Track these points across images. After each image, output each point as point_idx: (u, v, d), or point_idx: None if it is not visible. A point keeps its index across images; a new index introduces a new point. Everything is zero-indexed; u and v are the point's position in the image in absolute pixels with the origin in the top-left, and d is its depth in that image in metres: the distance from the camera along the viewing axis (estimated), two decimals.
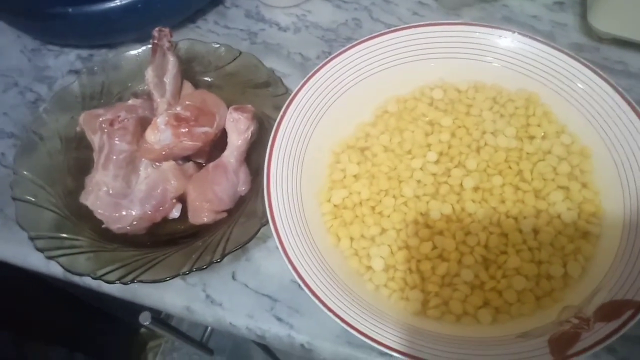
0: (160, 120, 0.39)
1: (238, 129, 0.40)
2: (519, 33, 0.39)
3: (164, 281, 0.35)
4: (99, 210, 0.38)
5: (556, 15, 0.50)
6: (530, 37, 0.38)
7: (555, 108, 0.38)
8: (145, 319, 0.51)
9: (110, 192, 0.38)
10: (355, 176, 0.37)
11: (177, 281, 0.38)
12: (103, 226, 0.38)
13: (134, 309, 0.47)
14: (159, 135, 0.38)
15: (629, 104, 0.35)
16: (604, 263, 0.31)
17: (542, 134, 0.37)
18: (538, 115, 0.37)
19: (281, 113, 0.38)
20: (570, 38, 0.48)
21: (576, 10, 0.50)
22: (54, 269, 0.39)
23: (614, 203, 0.33)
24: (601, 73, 0.36)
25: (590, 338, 0.27)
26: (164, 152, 0.39)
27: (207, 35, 0.52)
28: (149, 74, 0.42)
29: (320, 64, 0.40)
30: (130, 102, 0.43)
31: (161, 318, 0.54)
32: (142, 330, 1.00)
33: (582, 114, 0.36)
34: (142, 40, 0.49)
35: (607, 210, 0.34)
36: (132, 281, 0.35)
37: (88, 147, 0.41)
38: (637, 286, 0.29)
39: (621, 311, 0.28)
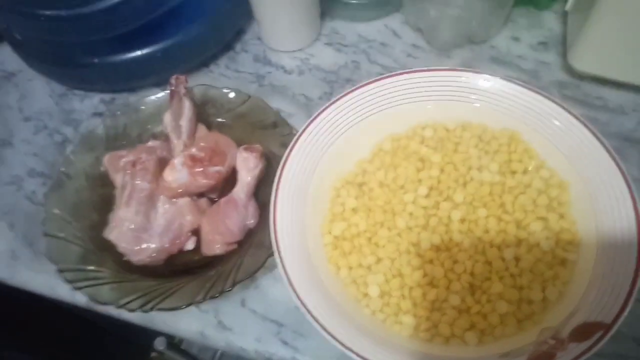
0: (177, 161, 0.43)
1: (247, 167, 0.44)
2: (501, 77, 0.43)
3: (180, 309, 0.38)
4: (122, 244, 0.42)
5: (540, 54, 0.54)
6: (511, 81, 0.42)
7: (536, 145, 0.41)
8: (160, 343, 0.54)
9: (132, 227, 0.42)
10: (353, 209, 0.41)
11: (192, 308, 0.41)
12: (124, 258, 0.42)
13: (146, 333, 0.50)
14: (177, 174, 0.43)
15: (599, 139, 0.38)
16: (579, 287, 0.34)
17: (523, 169, 0.40)
18: (519, 151, 0.41)
19: (287, 152, 0.42)
20: (554, 76, 0.52)
21: (558, 50, 0.54)
22: (79, 298, 0.43)
23: (588, 231, 0.36)
24: (573, 111, 0.40)
25: (564, 357, 0.30)
26: (180, 190, 0.43)
27: (219, 78, 0.57)
28: (167, 118, 0.46)
29: (323, 107, 0.44)
30: (149, 143, 0.47)
31: (175, 343, 0.57)
32: (153, 354, 1.02)
33: (559, 150, 0.40)
34: (160, 84, 0.54)
35: (582, 239, 0.37)
36: (152, 309, 0.38)
37: (111, 185, 0.46)
38: (607, 309, 0.31)
39: (592, 332, 0.31)
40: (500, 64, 0.53)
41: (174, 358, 0.62)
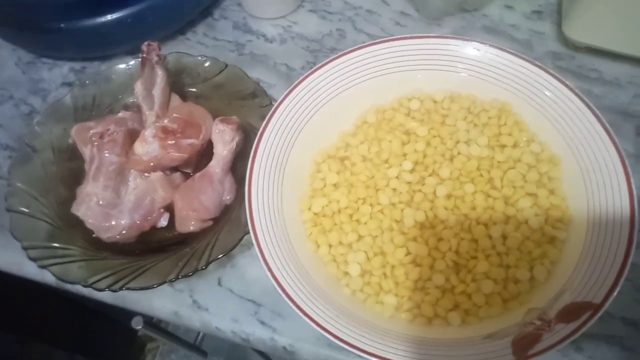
0: (148, 132, 0.40)
1: (224, 140, 0.42)
2: (491, 46, 0.40)
3: (152, 288, 0.36)
4: (90, 220, 0.40)
5: (534, 24, 0.51)
6: (502, 49, 0.40)
7: (526, 117, 0.39)
8: (137, 323, 0.53)
9: (101, 202, 0.40)
10: (334, 185, 0.39)
11: (165, 287, 0.40)
12: (94, 235, 0.40)
13: (130, 312, 0.48)
14: (147, 147, 0.40)
15: (593, 112, 0.36)
16: (568, 267, 0.33)
17: (513, 142, 0.38)
18: (509, 124, 0.39)
19: (264, 123, 0.40)
20: (548, 46, 0.50)
21: (554, 19, 0.51)
22: (48, 277, 0.41)
23: (579, 209, 0.35)
24: (567, 82, 0.38)
25: (550, 339, 0.29)
26: (152, 164, 0.41)
27: (196, 46, 0.54)
28: (138, 87, 0.44)
29: (303, 76, 0.42)
30: (120, 114, 0.44)
31: (154, 322, 0.55)
32: (140, 332, 1.02)
33: (550, 123, 0.38)
34: (134, 52, 0.50)
35: (572, 216, 0.35)
36: (121, 288, 0.37)
37: (80, 158, 0.43)
38: (596, 289, 0.30)
39: (580, 312, 0.29)
40: (493, 33, 0.51)
41: (155, 337, 0.60)
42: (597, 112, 0.36)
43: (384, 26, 0.53)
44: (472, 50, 0.41)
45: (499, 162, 0.38)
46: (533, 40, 0.50)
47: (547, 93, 0.38)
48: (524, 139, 0.38)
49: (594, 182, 0.35)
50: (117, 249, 0.40)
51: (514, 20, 0.52)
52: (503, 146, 0.38)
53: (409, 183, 0.37)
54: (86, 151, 0.42)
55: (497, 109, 0.40)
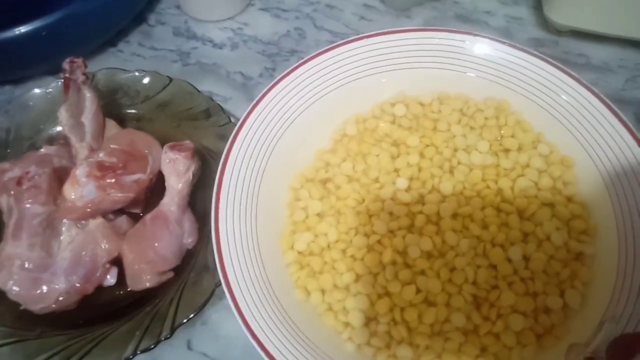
0: (80, 172, 0.32)
1: (177, 171, 0.35)
2: (481, 36, 0.35)
3: None
4: (15, 290, 0.31)
5: (510, 9, 0.47)
6: (493, 39, 0.35)
7: (528, 115, 0.34)
8: None
9: (27, 265, 0.32)
10: (319, 215, 0.33)
11: None
12: (21, 308, 0.32)
13: None
14: (81, 190, 0.32)
15: (605, 103, 0.32)
16: (605, 288, 0.28)
17: (518, 145, 0.33)
18: (510, 124, 0.34)
19: (227, 147, 0.33)
20: (528, 33, 0.46)
21: (530, 2, 0.47)
22: None
23: (604, 217, 0.30)
24: (573, 73, 0.33)
25: None
26: (88, 209, 0.33)
27: (132, 59, 0.46)
28: (63, 114, 0.36)
29: (267, 87, 0.35)
30: (42, 150, 0.36)
31: None
32: None
33: (557, 120, 0.33)
34: (55, 72, 0.42)
35: (598, 225, 0.31)
36: None
37: None
38: None
39: (635, 348, 0.24)
40: (467, 22, 0.46)
41: None
42: (611, 104, 0.32)
43: (348, 22, 0.47)
44: (458, 42, 0.36)
45: (505, 169, 0.33)
46: (511, 27, 0.46)
47: (550, 86, 0.34)
48: (529, 140, 0.33)
49: (616, 184, 0.30)
50: (55, 321, 0.32)
51: (489, 7, 0.47)
52: (507, 150, 0.33)
53: (406, 204, 0.32)
54: (2, 201, 0.33)
55: (494, 108, 0.35)
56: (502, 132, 0.34)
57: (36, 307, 0.32)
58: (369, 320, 0.29)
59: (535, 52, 0.34)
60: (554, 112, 0.33)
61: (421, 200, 0.32)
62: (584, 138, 0.32)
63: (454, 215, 0.31)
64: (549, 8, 0.42)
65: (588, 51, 0.44)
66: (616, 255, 0.29)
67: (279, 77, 0.35)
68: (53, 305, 0.32)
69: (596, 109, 0.32)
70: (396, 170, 0.33)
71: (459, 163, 0.33)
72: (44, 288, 0.32)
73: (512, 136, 0.34)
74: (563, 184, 0.32)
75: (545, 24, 0.45)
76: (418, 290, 0.29)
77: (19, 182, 0.32)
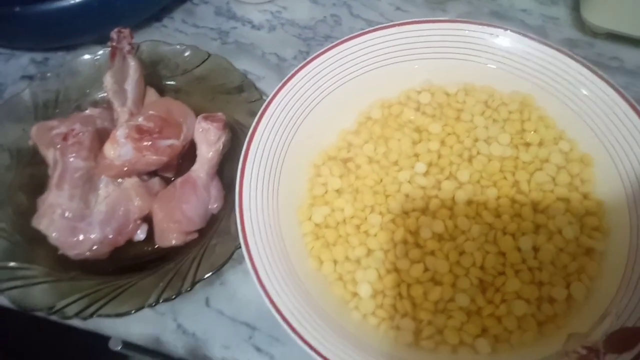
0: (120, 133, 0.35)
1: (208, 140, 0.37)
2: (512, 30, 0.36)
3: (127, 315, 0.31)
4: (54, 235, 0.34)
5: (548, 9, 0.47)
6: (523, 35, 0.36)
7: (552, 112, 0.35)
8: (115, 344, 0.47)
9: (66, 214, 0.34)
10: (337, 191, 0.34)
11: (145, 310, 0.34)
12: (59, 253, 0.34)
13: None
14: (119, 150, 0.35)
15: (633, 107, 0.32)
16: (611, 284, 0.29)
17: (539, 140, 0.34)
18: (534, 120, 0.35)
19: (255, 121, 0.35)
20: (563, 33, 0.45)
21: (568, 3, 0.47)
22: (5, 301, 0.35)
23: (619, 215, 0.31)
24: (602, 74, 0.33)
25: None
26: (125, 168, 0.35)
27: (174, 35, 0.48)
28: (108, 80, 0.38)
29: (298, 67, 0.37)
30: (87, 112, 0.39)
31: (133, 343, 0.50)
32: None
33: (581, 118, 0.34)
34: (103, 41, 0.45)
35: (611, 223, 0.31)
36: (92, 315, 0.32)
37: (43, 162, 0.38)
38: None
39: (633, 340, 0.25)
40: (502, 19, 0.47)
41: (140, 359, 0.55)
42: (636, 105, 0.32)
43: (384, 11, 0.48)
44: (488, 36, 0.36)
45: (524, 162, 0.33)
46: (547, 26, 0.46)
47: (579, 86, 0.34)
48: (551, 136, 0.34)
49: (635, 185, 0.31)
50: (87, 267, 0.35)
51: (525, 5, 0.47)
52: (528, 144, 0.34)
53: (423, 188, 0.33)
54: (49, 155, 0.36)
55: (518, 102, 0.35)
56: (525, 126, 0.35)
57: (72, 253, 0.34)
58: (376, 292, 0.31)
59: (565, 51, 0.35)
60: (577, 110, 0.34)
61: (437, 185, 0.33)
62: (606, 138, 0.33)
63: (468, 202, 0.32)
64: (587, 9, 0.42)
65: (622, 55, 0.44)
66: (626, 254, 0.29)
67: (311, 57, 0.36)
68: (87, 253, 0.35)
69: (623, 112, 0.32)
70: (416, 155, 0.34)
71: (478, 153, 0.34)
72: (80, 236, 0.34)
73: (535, 131, 0.34)
74: (581, 181, 0.33)
75: (581, 25, 0.45)
76: (426, 269, 0.30)
77: (64, 138, 0.35)
